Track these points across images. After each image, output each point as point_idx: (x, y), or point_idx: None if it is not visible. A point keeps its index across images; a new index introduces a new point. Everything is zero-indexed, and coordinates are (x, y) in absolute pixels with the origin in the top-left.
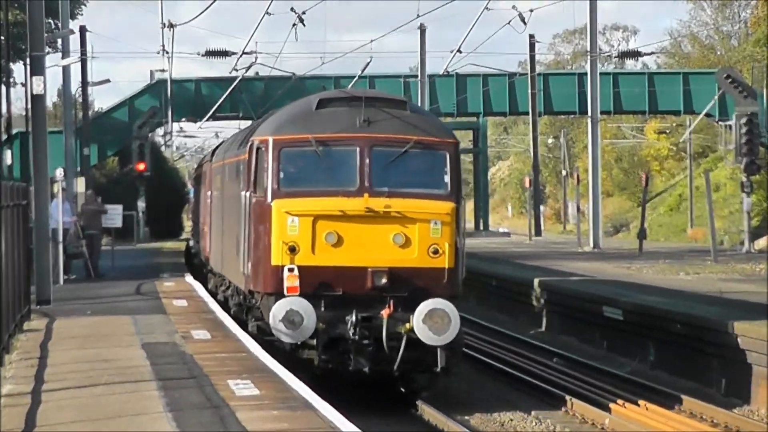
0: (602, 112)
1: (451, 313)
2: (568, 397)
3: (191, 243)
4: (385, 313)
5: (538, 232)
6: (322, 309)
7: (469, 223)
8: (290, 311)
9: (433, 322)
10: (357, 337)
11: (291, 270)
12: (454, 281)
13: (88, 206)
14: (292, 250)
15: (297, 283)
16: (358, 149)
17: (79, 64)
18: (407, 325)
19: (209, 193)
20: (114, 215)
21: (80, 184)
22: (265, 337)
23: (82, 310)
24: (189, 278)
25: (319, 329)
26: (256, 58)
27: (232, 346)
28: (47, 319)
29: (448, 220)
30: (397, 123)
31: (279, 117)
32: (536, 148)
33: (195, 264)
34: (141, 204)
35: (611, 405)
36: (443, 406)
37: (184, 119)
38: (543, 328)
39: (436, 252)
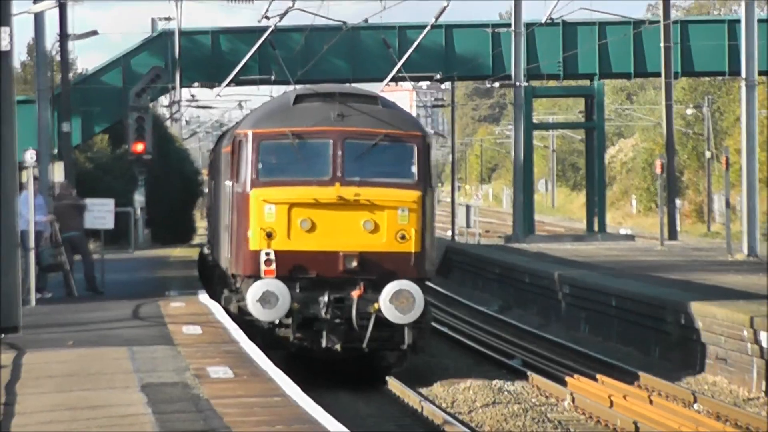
0: (761, 73)
1: (415, 294)
2: None
3: (206, 250)
4: (355, 294)
5: (672, 235)
6: (297, 290)
7: (579, 223)
8: (266, 292)
9: (398, 302)
10: (329, 316)
11: (268, 254)
12: (420, 264)
13: (60, 201)
14: (269, 235)
15: (273, 266)
16: (331, 142)
17: (57, 10)
18: (375, 305)
19: (224, 183)
20: (103, 213)
21: (58, 171)
22: (245, 317)
23: (61, 339)
24: (204, 297)
25: (293, 309)
26: (294, 2)
27: (261, 387)
28: (14, 353)
29: (414, 208)
30: (369, 117)
31: (259, 112)
32: (670, 122)
33: (211, 277)
34: (139, 198)
35: None
36: None
37: (197, 84)
38: (697, 370)
39: (403, 237)
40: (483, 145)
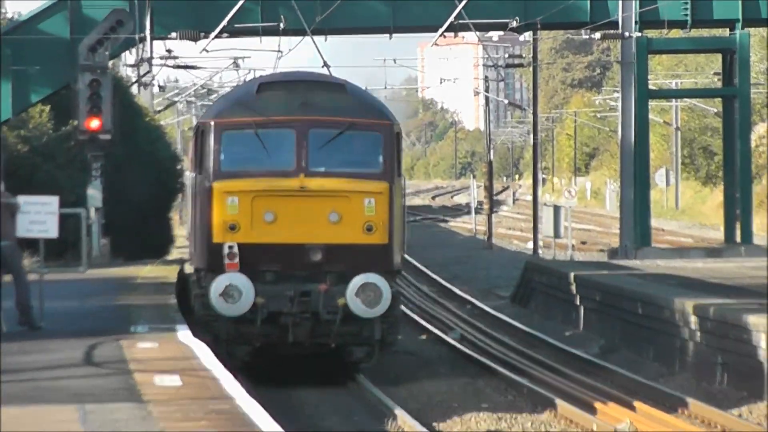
0: None
1: (383, 287)
2: None
3: (189, 267)
4: (321, 287)
5: None
6: (262, 284)
7: (714, 232)
8: (229, 286)
9: (365, 295)
10: (295, 311)
11: (230, 247)
12: (388, 257)
13: None
14: (232, 228)
15: (237, 259)
16: (295, 131)
17: None
18: (342, 299)
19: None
20: (42, 216)
21: None
22: (209, 313)
23: None
24: (185, 334)
25: (258, 303)
26: None
27: None
28: None
29: (381, 198)
30: (335, 105)
31: (222, 101)
32: None
33: (195, 308)
34: (94, 194)
35: None
36: None
37: (175, 35)
38: None
39: (370, 229)
40: (578, 121)
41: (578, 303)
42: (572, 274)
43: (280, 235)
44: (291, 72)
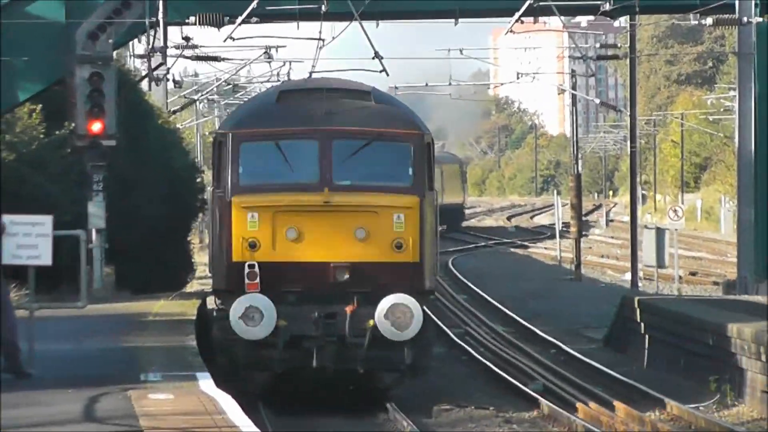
0: None
1: (414, 309)
2: None
3: (212, 302)
4: (348, 309)
5: None
6: (284, 306)
7: None
8: (250, 308)
9: (395, 317)
10: (319, 334)
11: (251, 266)
12: (419, 276)
13: None
14: (253, 246)
15: (257, 279)
16: (318, 142)
17: None
18: (370, 321)
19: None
20: (33, 239)
21: None
22: (229, 337)
23: None
24: (207, 384)
25: (280, 326)
26: None
27: None
28: None
29: (411, 213)
30: (360, 114)
31: (240, 110)
32: None
33: (213, 331)
34: (95, 212)
35: None
36: None
37: (193, 20)
38: None
39: (399, 246)
40: (685, 125)
41: (687, 348)
42: (680, 312)
43: (303, 253)
44: (314, 79)
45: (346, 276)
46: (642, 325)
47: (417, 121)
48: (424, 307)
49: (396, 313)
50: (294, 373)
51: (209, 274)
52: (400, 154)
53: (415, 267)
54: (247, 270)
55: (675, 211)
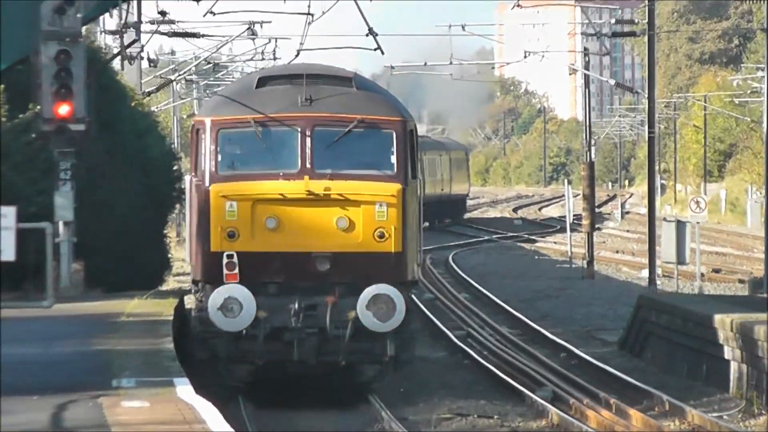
0: None
1: (396, 299)
2: None
3: (191, 299)
4: (329, 300)
5: None
6: (263, 297)
7: None
8: (228, 299)
9: (377, 308)
10: (300, 325)
11: (230, 257)
12: (402, 266)
13: None
14: (231, 235)
15: (236, 270)
16: (299, 130)
17: None
18: (352, 312)
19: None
20: None
21: None
22: (208, 330)
23: None
24: (185, 390)
25: (260, 318)
26: None
27: None
28: None
29: (394, 202)
30: (341, 101)
31: (219, 97)
32: None
33: (191, 323)
34: (63, 203)
35: None
36: None
37: None
38: None
39: (381, 236)
40: (709, 108)
41: (709, 352)
42: (701, 313)
43: (283, 243)
44: (294, 64)
45: (327, 266)
46: (660, 327)
47: (400, 108)
48: (407, 298)
49: (378, 303)
50: (275, 365)
51: (187, 271)
52: (382, 142)
53: (398, 256)
54: (225, 260)
55: (697, 202)
